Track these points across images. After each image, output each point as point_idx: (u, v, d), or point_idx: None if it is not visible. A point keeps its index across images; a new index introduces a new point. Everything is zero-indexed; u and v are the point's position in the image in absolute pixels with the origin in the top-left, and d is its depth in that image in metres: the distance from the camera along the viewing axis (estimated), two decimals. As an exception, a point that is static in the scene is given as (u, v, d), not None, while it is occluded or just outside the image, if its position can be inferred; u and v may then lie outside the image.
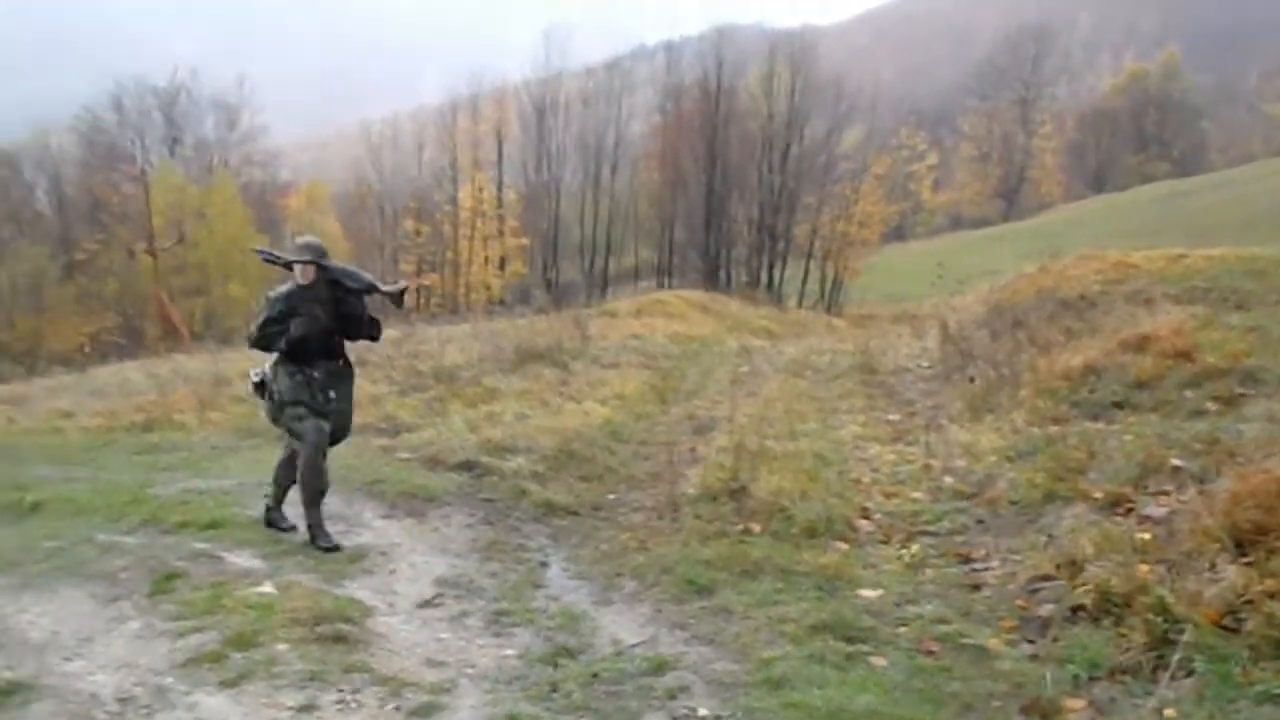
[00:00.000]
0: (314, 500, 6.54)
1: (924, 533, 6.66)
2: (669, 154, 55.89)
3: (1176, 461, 6.34)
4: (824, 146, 53.45)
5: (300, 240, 6.55)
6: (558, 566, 6.27)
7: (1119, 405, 8.43)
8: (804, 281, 52.88)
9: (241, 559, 6.39)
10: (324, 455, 6.56)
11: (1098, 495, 6.22)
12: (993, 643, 4.71)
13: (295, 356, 6.42)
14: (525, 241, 59.88)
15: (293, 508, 6.79)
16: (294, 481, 6.71)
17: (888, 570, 5.91)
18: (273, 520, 6.91)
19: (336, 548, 6.42)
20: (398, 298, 6.65)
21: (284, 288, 6.48)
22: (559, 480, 8.33)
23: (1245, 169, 67.07)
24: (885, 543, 6.49)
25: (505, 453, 8.92)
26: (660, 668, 4.58)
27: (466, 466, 8.60)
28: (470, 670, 4.64)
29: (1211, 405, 7.69)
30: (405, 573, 6.11)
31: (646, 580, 5.83)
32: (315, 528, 6.54)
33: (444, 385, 13.39)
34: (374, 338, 6.83)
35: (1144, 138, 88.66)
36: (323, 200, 70.09)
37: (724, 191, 53.94)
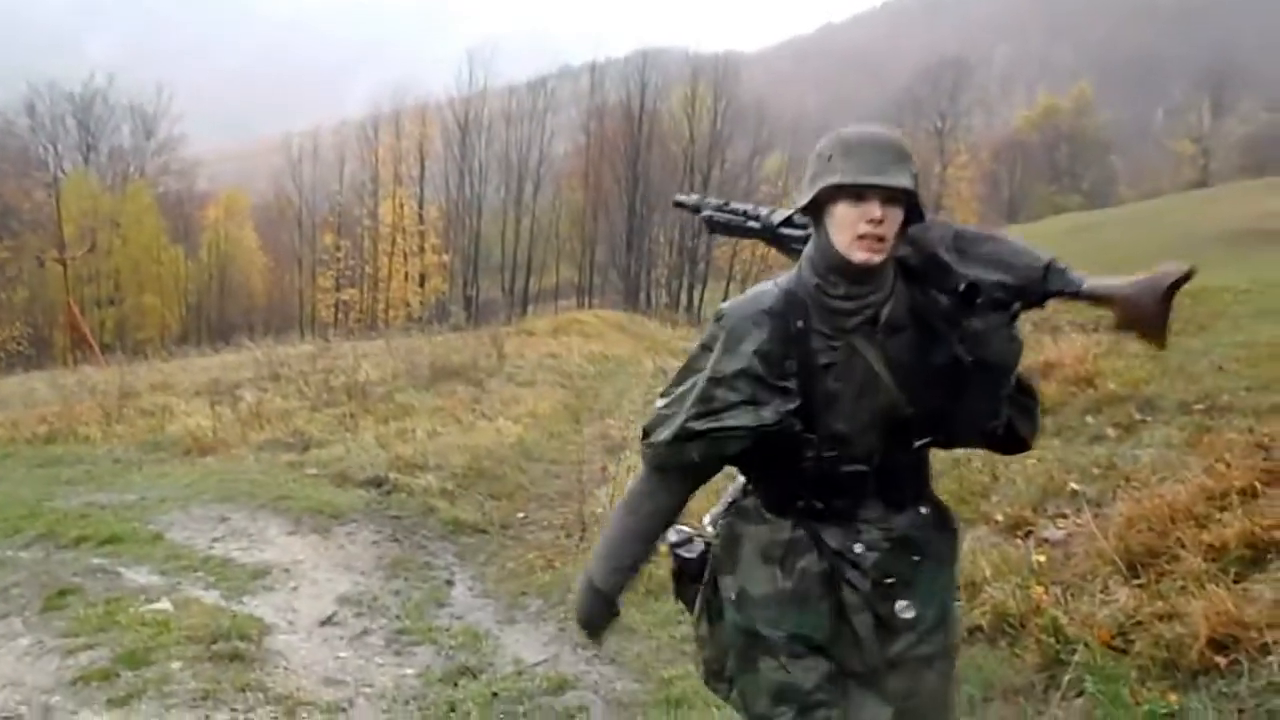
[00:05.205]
0: None
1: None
2: (592, 174, 56.20)
3: (1075, 485, 6.43)
4: (745, 170, 54.22)
5: (854, 135, 2.13)
6: (463, 585, 6.21)
7: (1023, 430, 8.54)
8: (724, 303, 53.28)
9: (139, 575, 6.26)
10: None
11: (999, 518, 6.29)
12: (892, 663, 4.74)
13: (800, 496, 2.26)
14: (446, 258, 59.54)
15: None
16: None
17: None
18: None
19: None
20: (1163, 303, 2.20)
21: (767, 292, 2.20)
22: (468, 498, 8.28)
23: (1152, 203, 68.91)
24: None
25: (415, 470, 8.84)
26: (561, 687, 4.55)
27: (375, 483, 8.52)
28: (368, 689, 4.57)
29: (1111, 431, 7.82)
30: (307, 590, 6.00)
31: (551, 599, 5.79)
32: None
33: (356, 401, 13.26)
34: (1026, 444, 2.39)
35: (1056, 170, 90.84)
36: (241, 211, 69.05)
37: (645, 213, 54.38)
